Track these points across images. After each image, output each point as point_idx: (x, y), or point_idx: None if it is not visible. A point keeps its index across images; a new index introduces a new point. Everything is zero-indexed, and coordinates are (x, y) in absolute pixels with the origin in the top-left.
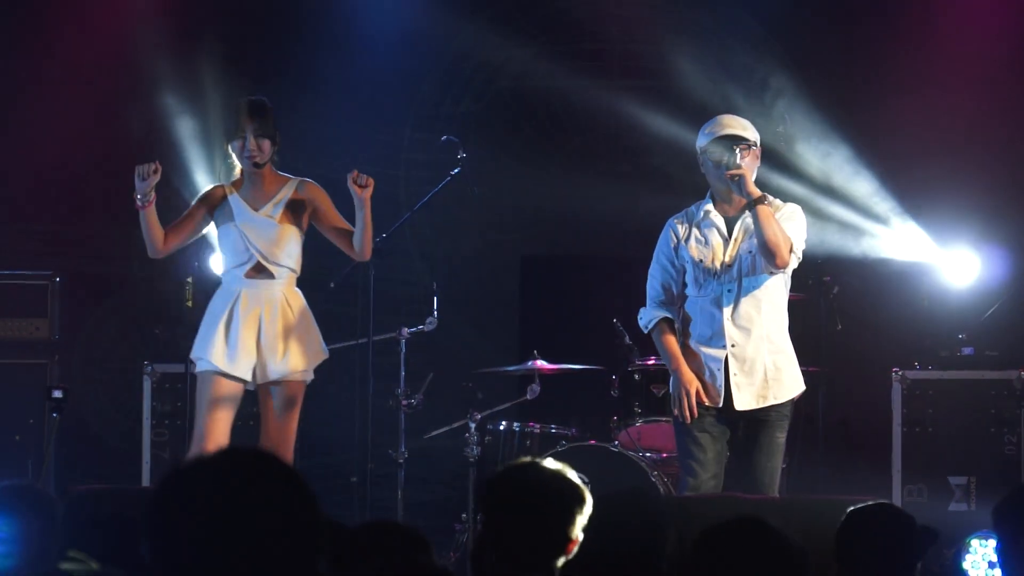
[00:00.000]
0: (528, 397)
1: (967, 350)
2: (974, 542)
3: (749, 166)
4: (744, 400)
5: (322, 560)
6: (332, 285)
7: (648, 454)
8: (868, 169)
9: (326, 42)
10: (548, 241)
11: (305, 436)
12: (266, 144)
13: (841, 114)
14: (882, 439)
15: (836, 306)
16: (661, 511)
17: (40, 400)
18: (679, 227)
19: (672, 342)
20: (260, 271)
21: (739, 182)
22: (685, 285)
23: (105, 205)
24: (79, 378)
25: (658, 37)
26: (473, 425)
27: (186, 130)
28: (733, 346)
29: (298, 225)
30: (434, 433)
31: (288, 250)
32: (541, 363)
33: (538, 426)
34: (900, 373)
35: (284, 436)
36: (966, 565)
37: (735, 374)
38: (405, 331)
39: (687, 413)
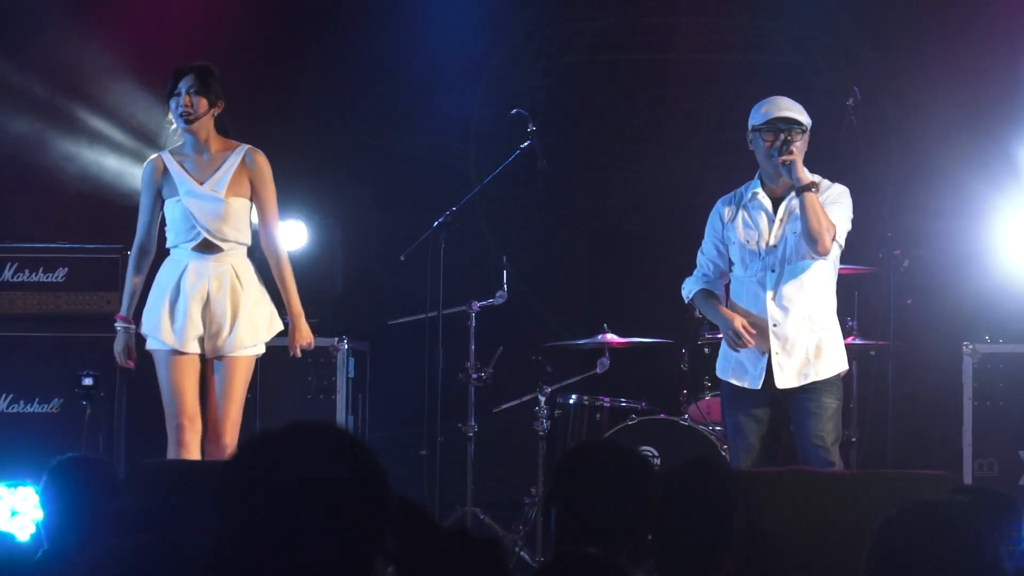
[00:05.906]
0: (598, 371)
1: None
2: None
3: (799, 151)
4: (785, 378)
5: (390, 535)
6: (402, 258)
7: (718, 428)
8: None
9: (397, 17)
10: (618, 214)
11: (374, 409)
12: (201, 101)
13: (911, 89)
14: (953, 413)
15: (906, 280)
16: (729, 483)
17: (112, 373)
18: (726, 209)
19: (714, 299)
20: (208, 247)
21: (789, 167)
22: (733, 264)
23: None
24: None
25: (727, 10)
26: (543, 399)
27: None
28: (775, 325)
29: (246, 196)
30: (504, 407)
31: (236, 224)
32: (611, 337)
33: (608, 400)
34: (971, 347)
35: (225, 411)
36: None
37: (777, 353)
38: (475, 305)
39: (747, 338)
